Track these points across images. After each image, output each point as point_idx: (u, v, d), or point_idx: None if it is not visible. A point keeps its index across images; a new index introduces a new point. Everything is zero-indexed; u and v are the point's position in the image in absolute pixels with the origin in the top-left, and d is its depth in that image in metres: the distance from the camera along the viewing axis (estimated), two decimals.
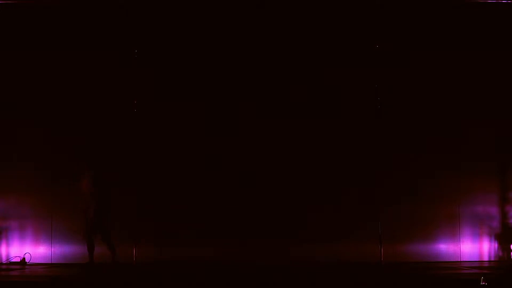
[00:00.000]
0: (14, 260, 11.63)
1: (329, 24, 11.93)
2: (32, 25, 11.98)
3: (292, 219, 11.69)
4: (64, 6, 11.90)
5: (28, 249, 11.76)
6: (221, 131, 11.89)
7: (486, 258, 11.79)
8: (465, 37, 11.87)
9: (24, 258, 11.62)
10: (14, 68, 12.02)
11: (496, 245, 11.81)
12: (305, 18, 11.94)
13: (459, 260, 11.70)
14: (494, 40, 11.87)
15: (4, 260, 11.77)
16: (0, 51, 11.95)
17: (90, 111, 11.87)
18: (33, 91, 11.98)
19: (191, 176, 11.78)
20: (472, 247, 11.82)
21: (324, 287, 8.88)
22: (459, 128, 11.84)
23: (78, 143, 11.73)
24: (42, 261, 11.74)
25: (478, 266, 11.07)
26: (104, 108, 11.89)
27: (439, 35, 11.91)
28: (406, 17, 11.93)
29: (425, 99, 11.90)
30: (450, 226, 11.83)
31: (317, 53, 11.93)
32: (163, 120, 11.89)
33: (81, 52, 11.91)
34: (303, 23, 11.94)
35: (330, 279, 9.22)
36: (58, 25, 11.95)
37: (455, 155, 11.76)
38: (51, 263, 11.72)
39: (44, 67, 12.00)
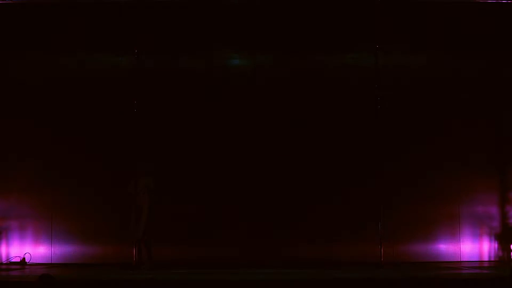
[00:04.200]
0: (14, 260, 11.63)
1: (329, 24, 11.93)
2: (32, 25, 11.97)
3: (292, 219, 11.69)
4: (65, 7, 11.89)
5: (28, 249, 11.76)
6: (221, 131, 11.88)
7: (486, 258, 11.80)
8: (465, 37, 11.87)
9: (24, 258, 11.62)
10: (14, 68, 12.03)
11: (496, 245, 11.82)
12: (305, 17, 11.94)
13: (459, 260, 11.71)
14: (494, 40, 11.86)
15: (4, 260, 11.78)
16: (0, 51, 11.95)
17: (90, 111, 11.87)
18: (33, 91, 11.98)
19: (190, 176, 11.77)
20: (472, 247, 11.83)
21: (324, 287, 8.87)
22: (459, 128, 11.84)
23: (78, 143, 11.75)
24: (42, 261, 11.74)
25: (478, 266, 11.07)
26: (104, 108, 11.88)
27: (439, 35, 11.91)
28: (406, 17, 11.93)
29: (425, 99, 11.90)
30: (450, 226, 11.83)
31: (317, 53, 11.94)
32: (162, 120, 11.88)
33: (81, 52, 11.92)
34: (303, 23, 11.93)
35: (330, 280, 9.21)
36: (58, 25, 11.94)
37: (455, 155, 11.76)
38: (51, 263, 11.72)
39: (44, 67, 12.01)
